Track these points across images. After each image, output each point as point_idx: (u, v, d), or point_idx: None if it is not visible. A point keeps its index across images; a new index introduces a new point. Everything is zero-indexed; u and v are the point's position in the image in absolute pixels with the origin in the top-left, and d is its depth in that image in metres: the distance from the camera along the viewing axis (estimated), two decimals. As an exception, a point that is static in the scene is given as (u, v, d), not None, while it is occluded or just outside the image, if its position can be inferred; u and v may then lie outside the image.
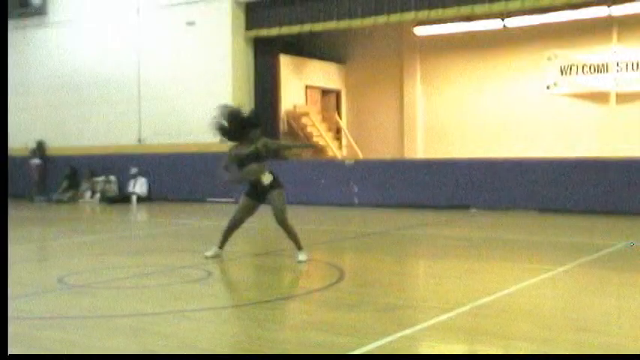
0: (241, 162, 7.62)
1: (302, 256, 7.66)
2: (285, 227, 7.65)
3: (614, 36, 16.51)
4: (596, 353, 4.23)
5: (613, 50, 16.46)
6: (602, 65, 16.61)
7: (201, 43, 16.71)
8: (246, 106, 9.24)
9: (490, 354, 4.30)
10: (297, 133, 18.62)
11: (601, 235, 10.07)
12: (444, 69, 18.87)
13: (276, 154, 7.43)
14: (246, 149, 7.60)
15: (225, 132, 7.69)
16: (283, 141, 7.26)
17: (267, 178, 7.56)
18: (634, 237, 9.50)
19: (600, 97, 16.78)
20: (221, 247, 7.94)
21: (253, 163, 7.58)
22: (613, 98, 16.63)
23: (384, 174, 14.92)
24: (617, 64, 16.43)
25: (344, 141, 20.04)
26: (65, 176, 18.60)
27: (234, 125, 7.61)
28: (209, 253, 7.91)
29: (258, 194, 7.66)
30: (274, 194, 7.57)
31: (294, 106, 18.79)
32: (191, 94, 16.57)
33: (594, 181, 12.72)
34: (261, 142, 7.63)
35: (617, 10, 15.86)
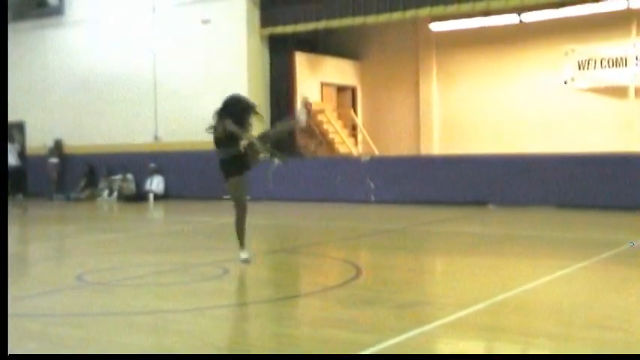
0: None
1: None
2: None
3: (634, 29, 16.28)
4: (617, 351, 4.18)
5: (632, 44, 16.25)
6: (621, 59, 16.40)
7: (216, 41, 16.75)
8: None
9: (509, 354, 4.27)
10: (313, 130, 18.61)
11: (620, 231, 9.94)
12: (460, 64, 18.74)
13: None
14: None
15: None
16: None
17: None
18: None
19: (619, 92, 16.57)
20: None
21: None
22: (632, 92, 16.41)
23: (401, 170, 14.86)
24: (637, 58, 16.21)
25: (360, 137, 19.99)
26: (83, 175, 18.74)
27: None
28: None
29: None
30: None
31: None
32: (206, 91, 16.58)
33: (613, 176, 12.57)
34: None
35: (637, 3, 15.65)
